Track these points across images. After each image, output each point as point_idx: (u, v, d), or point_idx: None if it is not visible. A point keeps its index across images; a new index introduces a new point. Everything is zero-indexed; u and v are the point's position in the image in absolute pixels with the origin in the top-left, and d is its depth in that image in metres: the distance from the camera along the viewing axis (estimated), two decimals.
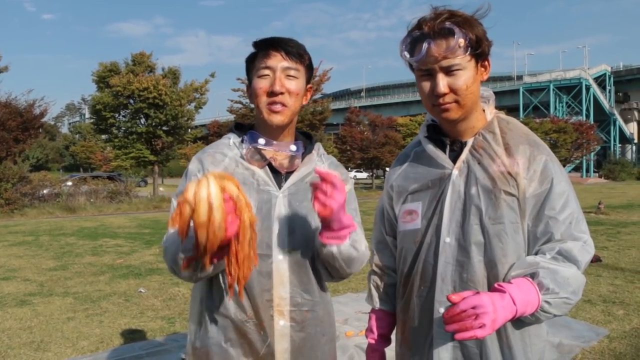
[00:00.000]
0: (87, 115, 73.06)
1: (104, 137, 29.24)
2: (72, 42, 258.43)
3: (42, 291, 6.51)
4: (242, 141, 1.62)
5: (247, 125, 1.71)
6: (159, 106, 23.90)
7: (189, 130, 27.57)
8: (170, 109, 23.97)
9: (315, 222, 1.57)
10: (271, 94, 1.55)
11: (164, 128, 24.95)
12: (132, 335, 4.76)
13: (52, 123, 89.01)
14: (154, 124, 24.48)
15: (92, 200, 20.58)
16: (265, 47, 1.58)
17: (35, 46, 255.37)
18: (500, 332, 1.40)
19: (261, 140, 1.60)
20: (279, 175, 1.61)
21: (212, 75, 25.70)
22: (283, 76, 1.56)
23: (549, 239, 1.38)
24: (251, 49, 1.63)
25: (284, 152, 1.62)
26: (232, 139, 1.66)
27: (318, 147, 1.72)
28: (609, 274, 7.08)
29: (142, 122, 24.96)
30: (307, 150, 1.67)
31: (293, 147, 1.63)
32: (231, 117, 34.71)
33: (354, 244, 1.50)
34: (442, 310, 1.42)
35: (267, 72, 1.56)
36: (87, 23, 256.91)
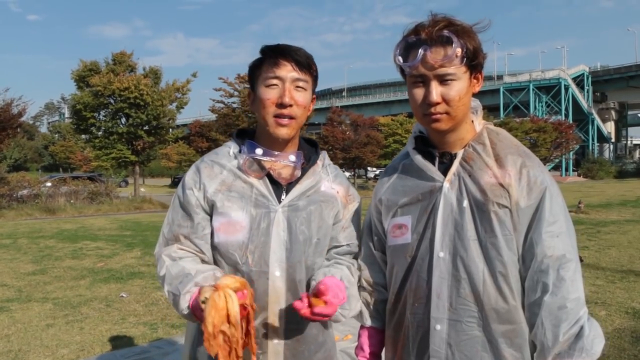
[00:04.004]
0: (66, 115, 72.17)
1: (84, 137, 28.90)
2: (52, 42, 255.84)
3: (20, 297, 6.38)
4: (240, 151, 1.58)
5: (250, 131, 1.66)
6: (140, 106, 23.68)
7: (171, 130, 27.37)
8: (152, 109, 23.76)
9: (314, 238, 1.55)
10: (280, 105, 1.50)
11: (145, 128, 24.73)
12: (114, 342, 4.67)
13: (31, 122, 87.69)
14: (135, 124, 24.25)
15: (72, 201, 20.31)
16: (274, 55, 1.52)
17: (17, 46, 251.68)
18: (493, 346, 1.38)
19: (259, 151, 1.55)
20: (279, 187, 1.56)
21: (194, 75, 25.54)
22: (292, 87, 1.51)
23: (544, 253, 1.36)
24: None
25: (282, 163, 1.57)
26: (232, 148, 1.61)
27: (324, 158, 1.67)
28: (590, 274, 7.14)
29: (123, 122, 24.70)
30: (311, 161, 1.63)
31: (292, 158, 1.58)
32: (213, 116, 34.55)
33: (342, 311, 1.52)
34: (438, 327, 1.41)
35: (275, 82, 1.51)
36: (68, 25, 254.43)
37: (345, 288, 1.50)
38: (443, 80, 1.35)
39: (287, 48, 1.53)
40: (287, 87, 1.50)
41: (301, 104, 1.53)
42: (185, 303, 1.42)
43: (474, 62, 1.37)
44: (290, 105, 1.50)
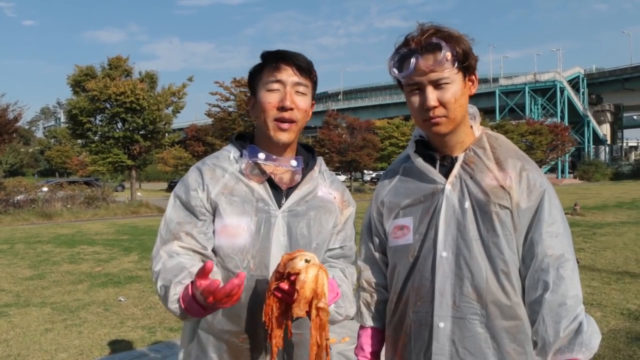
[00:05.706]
0: (62, 120, 71.99)
1: (80, 141, 28.83)
2: (48, 48, 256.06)
3: (18, 302, 6.38)
4: (241, 155, 1.58)
5: (249, 135, 1.67)
6: (137, 110, 23.65)
7: (167, 134, 27.35)
8: (148, 113, 23.72)
9: (314, 243, 1.56)
10: (281, 109, 1.51)
11: (142, 132, 24.70)
12: (113, 346, 4.68)
13: (27, 127, 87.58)
14: (131, 128, 24.22)
15: (68, 206, 20.26)
16: (275, 59, 1.54)
17: (12, 51, 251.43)
18: (496, 342, 1.42)
19: (261, 155, 1.56)
20: (279, 192, 1.57)
21: (190, 79, 25.57)
22: (293, 91, 1.53)
23: (544, 252, 1.40)
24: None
25: (284, 167, 1.59)
26: (232, 152, 1.61)
27: (320, 163, 1.69)
28: (586, 275, 7.17)
29: (119, 127, 24.67)
30: (309, 167, 1.64)
31: (294, 163, 1.59)
32: (209, 120, 34.55)
33: (338, 309, 1.54)
34: (442, 325, 1.44)
35: (277, 86, 1.52)
36: (63, 30, 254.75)
37: (338, 285, 1.51)
38: (437, 84, 1.41)
39: (288, 53, 1.55)
40: (288, 90, 1.52)
41: (302, 108, 1.54)
42: (175, 293, 1.38)
43: (464, 64, 1.42)
44: (292, 109, 1.52)
